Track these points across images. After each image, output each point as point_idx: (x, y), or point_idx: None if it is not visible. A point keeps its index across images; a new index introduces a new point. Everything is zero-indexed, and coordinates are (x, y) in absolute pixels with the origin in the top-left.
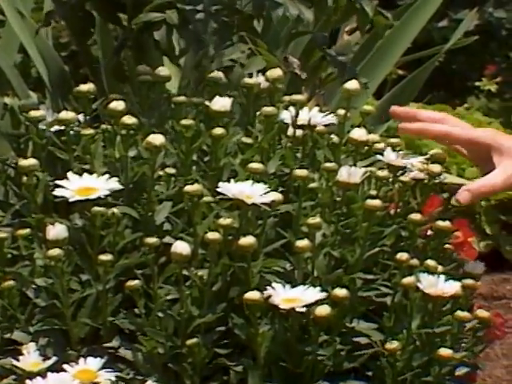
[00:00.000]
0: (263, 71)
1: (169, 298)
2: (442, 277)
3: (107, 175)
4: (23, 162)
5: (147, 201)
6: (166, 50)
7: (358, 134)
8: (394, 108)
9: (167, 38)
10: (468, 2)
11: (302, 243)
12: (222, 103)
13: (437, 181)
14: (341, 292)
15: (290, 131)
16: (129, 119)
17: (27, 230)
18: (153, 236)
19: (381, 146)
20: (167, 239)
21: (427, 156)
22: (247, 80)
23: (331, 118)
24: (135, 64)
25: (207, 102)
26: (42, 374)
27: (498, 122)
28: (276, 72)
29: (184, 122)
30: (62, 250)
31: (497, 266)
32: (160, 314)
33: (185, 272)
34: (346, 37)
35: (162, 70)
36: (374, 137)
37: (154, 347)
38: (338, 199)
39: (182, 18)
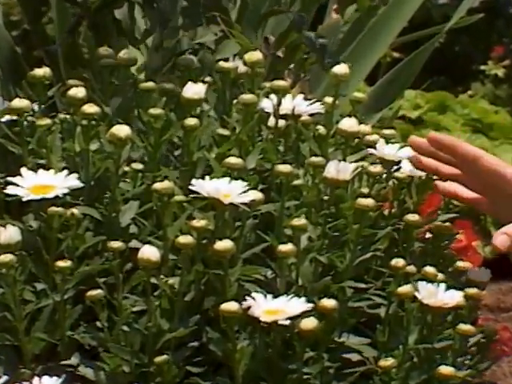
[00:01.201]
0: (240, 53)
1: (135, 309)
2: (443, 285)
3: (66, 171)
4: None
5: (111, 200)
6: (127, 31)
7: (348, 124)
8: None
9: (129, 17)
10: None
11: (286, 248)
12: (194, 90)
13: (436, 177)
14: (329, 303)
15: (272, 121)
16: (90, 108)
17: None
18: (117, 240)
19: (373, 138)
20: (134, 243)
21: None
22: (223, 64)
23: (317, 107)
24: (96, 45)
25: (178, 89)
26: None
27: (506, 111)
28: (255, 55)
29: (152, 111)
30: (15, 256)
31: (505, 274)
32: (125, 328)
33: (153, 280)
34: (334, 15)
35: (127, 53)
36: (365, 128)
37: (118, 365)
38: (325, 198)
39: None
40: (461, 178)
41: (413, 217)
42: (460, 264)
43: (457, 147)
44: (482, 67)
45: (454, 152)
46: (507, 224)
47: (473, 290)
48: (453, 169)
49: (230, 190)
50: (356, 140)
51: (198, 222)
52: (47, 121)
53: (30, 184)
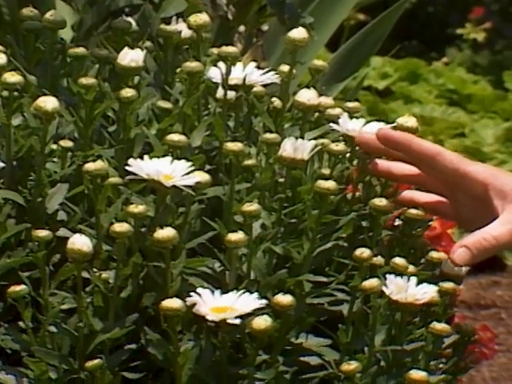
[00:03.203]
0: (183, 15)
1: (64, 307)
2: (414, 279)
3: None
4: None
5: (36, 183)
6: None
7: (307, 96)
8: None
9: None
10: None
11: (236, 237)
12: (132, 57)
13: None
14: (284, 299)
15: (220, 93)
16: (12, 77)
17: None
18: (43, 228)
19: (335, 111)
20: (62, 232)
21: (395, 124)
22: (165, 27)
23: (272, 77)
24: (19, 6)
25: (113, 55)
26: None
27: (486, 80)
28: (202, 17)
29: (83, 80)
30: None
31: (484, 266)
32: (52, 329)
33: (85, 274)
34: None
35: (54, 14)
36: (326, 100)
37: (43, 371)
38: (280, 180)
39: None
40: (418, 178)
41: (380, 201)
42: (434, 255)
43: (411, 144)
44: (459, 31)
45: (409, 150)
46: (471, 230)
47: (448, 285)
48: (408, 167)
49: (173, 171)
50: (316, 114)
51: (136, 208)
52: None
53: None
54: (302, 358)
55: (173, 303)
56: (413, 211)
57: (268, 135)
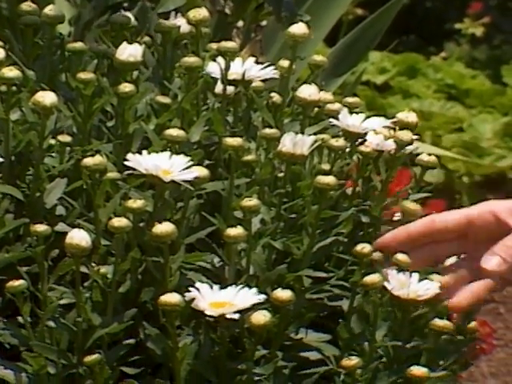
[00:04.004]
0: (182, 10)
1: (62, 302)
2: (415, 275)
3: None
4: None
5: (34, 177)
6: None
7: (308, 91)
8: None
9: None
10: None
11: (235, 232)
12: (130, 51)
13: (406, 151)
14: (284, 294)
15: (219, 88)
16: (10, 72)
17: None
18: (42, 223)
19: (335, 106)
20: (61, 227)
21: (394, 120)
22: (163, 22)
23: (271, 72)
24: (17, 0)
25: (112, 50)
26: None
27: (485, 74)
28: (201, 12)
29: (82, 75)
30: None
31: None
32: (51, 324)
33: (83, 269)
34: None
35: (53, 9)
36: (326, 95)
37: (42, 366)
38: (280, 175)
39: None
40: (463, 243)
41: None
42: None
43: (434, 226)
44: (458, 26)
45: (434, 232)
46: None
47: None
48: (448, 244)
49: (171, 166)
50: (315, 109)
51: (135, 203)
52: None
53: None
54: (301, 354)
55: (171, 298)
56: (411, 206)
57: (267, 130)
